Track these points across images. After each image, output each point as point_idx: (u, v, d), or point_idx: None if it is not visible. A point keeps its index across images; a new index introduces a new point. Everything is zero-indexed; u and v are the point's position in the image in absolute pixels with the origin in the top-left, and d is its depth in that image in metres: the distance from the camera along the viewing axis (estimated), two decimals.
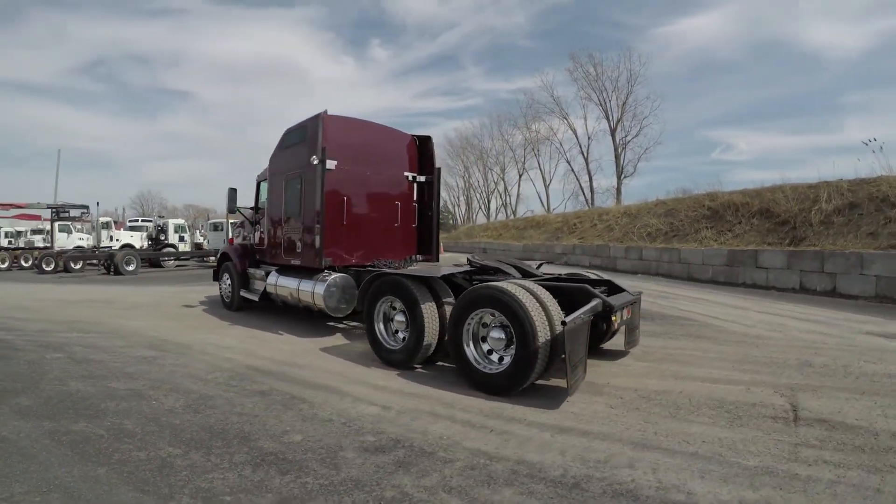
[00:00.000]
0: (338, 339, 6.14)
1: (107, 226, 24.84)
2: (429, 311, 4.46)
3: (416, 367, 4.66)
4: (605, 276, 5.54)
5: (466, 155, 54.91)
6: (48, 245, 22.45)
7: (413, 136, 7.42)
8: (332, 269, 6.34)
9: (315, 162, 6.07)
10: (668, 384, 3.87)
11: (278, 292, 7.07)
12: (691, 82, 64.11)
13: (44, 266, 17.31)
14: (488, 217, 50.72)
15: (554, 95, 40.45)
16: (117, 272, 16.96)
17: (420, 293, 4.56)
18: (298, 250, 6.81)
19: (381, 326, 5.00)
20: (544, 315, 3.60)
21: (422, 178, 7.38)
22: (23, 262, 19.11)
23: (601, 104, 37.72)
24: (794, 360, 4.59)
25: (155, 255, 20.72)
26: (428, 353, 4.51)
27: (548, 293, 3.84)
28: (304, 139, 6.48)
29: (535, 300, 3.66)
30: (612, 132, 37.67)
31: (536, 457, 2.62)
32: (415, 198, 7.43)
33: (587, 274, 5.17)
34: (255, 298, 7.76)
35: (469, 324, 3.98)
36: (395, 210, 7.07)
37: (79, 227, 24.85)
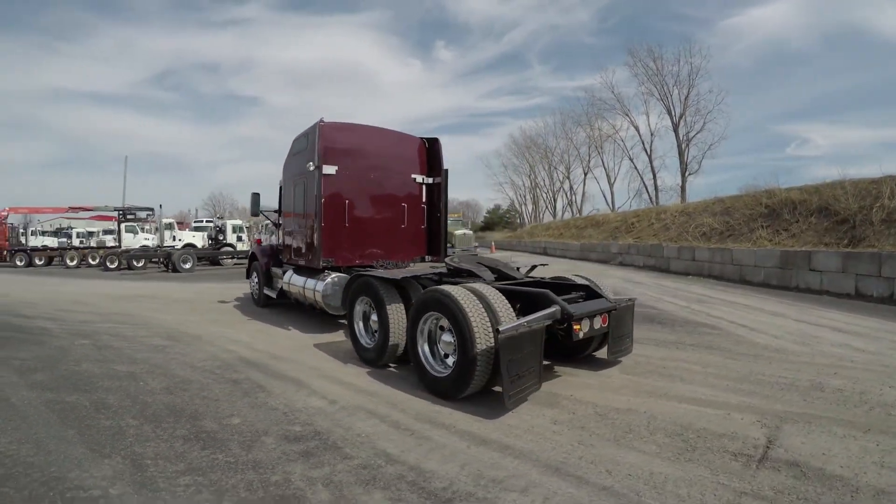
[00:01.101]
0: (336, 336, 6.69)
1: (170, 226, 28.33)
2: (395, 311, 4.78)
3: (390, 366, 5.00)
4: (614, 278, 5.69)
5: (532, 154, 57.89)
6: (116, 245, 26.11)
7: (422, 138, 7.82)
8: (337, 269, 6.91)
9: (311, 168, 6.70)
10: (636, 402, 3.77)
11: (290, 290, 7.85)
12: (762, 75, 62.43)
13: (108, 264, 20.34)
14: (554, 216, 53.14)
15: (615, 92, 41.57)
16: (175, 270, 19.38)
17: (387, 294, 4.91)
18: (303, 251, 7.52)
19: (360, 325, 5.43)
20: (489, 321, 3.69)
21: (430, 180, 7.73)
22: (90, 261, 22.51)
23: (663, 99, 38.39)
24: (806, 380, 4.22)
25: (212, 254, 23.33)
26: (396, 352, 4.83)
27: (503, 298, 3.92)
28: (306, 147, 7.16)
29: (480, 305, 3.76)
30: (675, 128, 38.22)
31: (434, 465, 2.74)
32: (423, 199, 7.79)
33: (573, 278, 5.15)
34: (274, 295, 8.69)
35: (423, 326, 4.23)
36: (401, 212, 7.50)
37: (147, 227, 28.58)
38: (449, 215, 31.35)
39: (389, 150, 7.37)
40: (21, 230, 29.05)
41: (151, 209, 26.77)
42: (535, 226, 43.67)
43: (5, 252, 23.03)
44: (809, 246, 10.51)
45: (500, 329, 3.39)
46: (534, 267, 6.10)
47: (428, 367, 4.13)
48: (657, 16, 71.57)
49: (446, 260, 5.63)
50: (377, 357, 4.95)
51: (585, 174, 50.45)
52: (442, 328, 4.14)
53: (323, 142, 6.60)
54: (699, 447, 2.97)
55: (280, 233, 9.36)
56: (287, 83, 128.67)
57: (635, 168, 42.64)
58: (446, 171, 7.74)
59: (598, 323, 4.21)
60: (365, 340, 5.29)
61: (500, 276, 5.24)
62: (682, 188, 37.60)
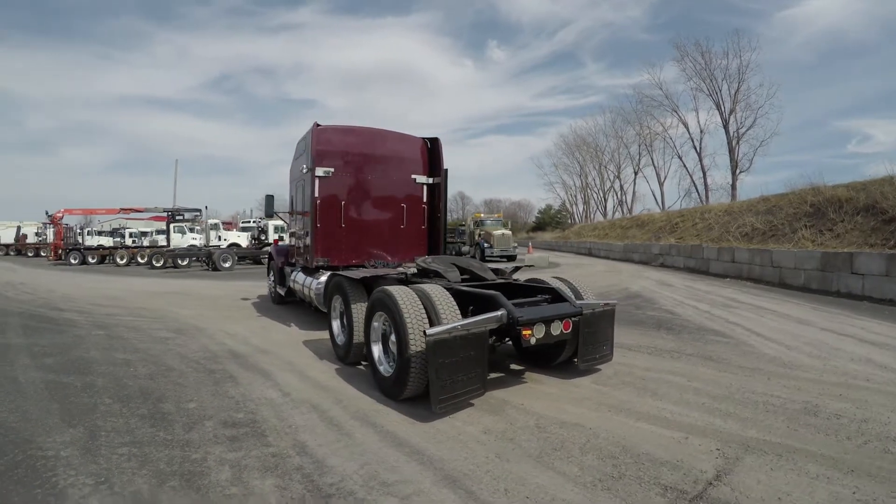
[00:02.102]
0: (325, 334, 7.24)
1: (215, 227, 30.90)
2: (358, 310, 5.19)
3: (361, 364, 5.42)
4: (647, 280, 5.96)
5: (582, 153, 61.44)
6: (164, 244, 28.84)
7: (424, 138, 8.20)
8: (335, 269, 7.47)
9: (305, 171, 7.30)
10: (589, 416, 3.74)
11: (295, 288, 8.58)
12: (822, 69, 60.60)
13: (154, 262, 22.66)
14: (604, 216, 56.08)
15: (663, 88, 43.31)
16: (215, 268, 21.22)
17: (353, 293, 5.33)
18: (302, 251, 8.18)
19: (336, 323, 5.92)
20: (428, 322, 3.92)
21: (430, 180, 8.09)
22: (139, 259, 25.10)
23: (712, 95, 39.52)
24: (801, 402, 4.02)
25: (253, 254, 25.26)
26: (362, 350, 5.22)
27: (451, 300, 4.12)
28: (304, 150, 7.79)
29: (420, 306, 4.00)
30: (725, 125, 39.20)
31: (337, 462, 2.99)
32: (425, 200, 8.17)
33: (549, 282, 5.21)
34: (283, 293, 9.48)
35: (375, 325, 4.58)
36: (400, 212, 7.93)
37: (198, 227, 31.27)
38: (489, 216, 32.41)
39: (389, 151, 7.80)
40: (78, 230, 32.82)
41: (199, 210, 29.38)
42: (583, 226, 45.98)
43: (60, 251, 26.16)
44: (853, 247, 10.01)
45: (427, 332, 3.58)
46: (517, 268, 6.27)
47: (378, 366, 4.46)
48: (711, 9, 72.97)
49: (417, 260, 5.96)
50: (345, 355, 5.39)
51: (636, 173, 52.16)
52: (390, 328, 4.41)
53: (316, 145, 7.16)
54: (627, 475, 2.78)
55: (287, 233, 10.16)
56: (341, 85, 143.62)
57: (684, 166, 43.85)
58: (446, 170, 8.06)
59: (557, 329, 4.23)
60: (339, 338, 5.76)
61: (473, 276, 5.48)
62: (733, 186, 38.17)
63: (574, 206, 68.79)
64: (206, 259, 22.60)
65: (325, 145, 7.19)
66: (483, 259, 26.44)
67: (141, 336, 7.07)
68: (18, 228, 38.03)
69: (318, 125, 7.20)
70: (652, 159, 49.20)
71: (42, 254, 31.01)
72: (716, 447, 3.18)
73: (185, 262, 23.09)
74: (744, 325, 7.21)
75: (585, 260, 27.10)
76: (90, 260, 26.01)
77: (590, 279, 16.46)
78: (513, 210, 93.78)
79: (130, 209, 30.20)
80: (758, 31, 62.70)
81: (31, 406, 4.04)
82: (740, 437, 3.34)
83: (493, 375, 4.89)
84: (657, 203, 47.67)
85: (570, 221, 64.63)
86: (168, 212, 29.00)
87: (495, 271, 6.10)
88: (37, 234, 34.64)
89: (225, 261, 21.99)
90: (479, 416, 3.79)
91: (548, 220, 75.28)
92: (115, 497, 2.66)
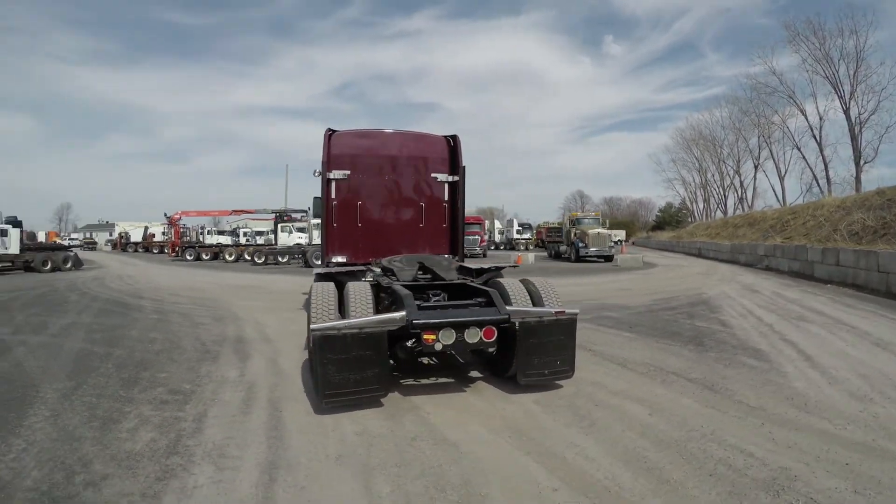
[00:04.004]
0: None
1: (317, 226, 35.00)
2: None
3: None
4: (734, 283, 6.11)
5: (700, 148, 64.00)
6: (272, 243, 33.57)
7: (445, 137, 8.85)
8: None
9: (316, 174, 8.44)
10: (477, 439, 3.76)
11: None
12: None
13: (255, 259, 26.63)
14: (724, 214, 57.81)
15: (777, 73, 43.98)
16: (308, 265, 24.31)
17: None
18: (321, 251, 9.41)
19: None
20: (334, 317, 4.44)
21: (450, 179, 8.71)
22: (246, 256, 29.67)
23: (829, 78, 39.57)
24: (774, 470, 3.24)
25: None
26: None
27: (368, 298, 4.64)
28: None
29: (331, 303, 4.57)
30: (845, 110, 39.09)
31: (212, 432, 3.85)
32: (446, 198, 8.81)
33: (508, 285, 5.27)
34: None
35: None
36: (419, 211, 8.70)
37: (304, 227, 35.81)
38: (586, 214, 33.45)
39: (406, 151, 8.57)
40: (199, 230, 39.86)
41: (305, 211, 33.74)
42: (697, 225, 49.39)
43: (177, 248, 32.16)
44: None
45: (312, 326, 4.07)
46: (499, 268, 6.54)
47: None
48: None
49: (383, 261, 6.59)
50: None
51: (756, 167, 53.33)
52: None
53: (328, 149, 8.25)
54: None
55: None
56: (461, 88, 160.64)
57: (803, 158, 44.69)
58: (464, 168, 8.57)
59: (474, 336, 4.35)
60: None
61: (434, 276, 5.97)
62: (857, 179, 37.99)
63: (694, 204, 71.53)
64: (302, 256, 25.89)
65: (338, 149, 8.22)
66: (578, 259, 26.90)
67: (183, 321, 8.94)
68: (146, 228, 48.02)
69: (332, 131, 8.25)
70: (771, 152, 50.01)
71: (165, 251, 38.37)
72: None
73: (284, 259, 26.80)
74: (799, 344, 6.89)
75: (689, 261, 27.54)
76: (204, 256, 31.65)
77: (662, 282, 16.31)
78: (633, 209, 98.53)
79: (242, 210, 35.93)
80: (874, 5, 59.71)
81: (55, 364, 5.77)
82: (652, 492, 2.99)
83: (442, 380, 5.32)
84: (777, 199, 48.41)
85: (689, 220, 67.20)
86: (276, 213, 33.75)
87: (478, 271, 6.47)
88: (163, 233, 43.15)
89: (317, 258, 25.03)
90: (374, 417, 4.19)
91: (667, 219, 78.25)
92: (53, 423, 3.97)
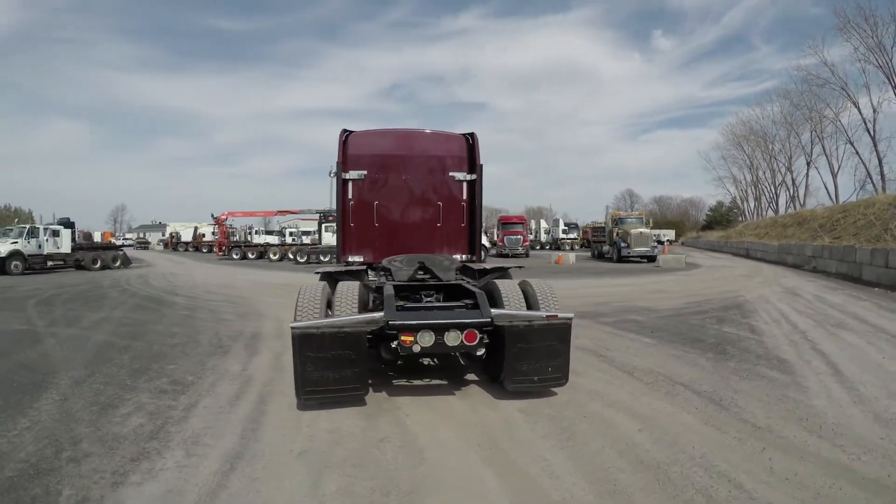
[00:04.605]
0: None
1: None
2: None
3: None
4: (776, 287, 6.20)
5: (751, 144, 64.80)
6: (317, 243, 34.90)
7: (464, 134, 9.04)
8: (369, 265, 8.90)
9: (331, 175, 8.81)
10: (437, 447, 3.81)
11: None
12: None
13: (297, 258, 27.82)
14: (776, 212, 58.15)
15: (828, 63, 44.01)
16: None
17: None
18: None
19: None
20: (318, 316, 4.65)
21: (468, 177, 8.88)
22: (290, 255, 31.04)
23: (882, 67, 39.06)
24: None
25: None
26: None
27: (353, 299, 4.84)
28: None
29: (317, 301, 4.77)
30: None
31: (198, 422, 4.26)
32: (464, 197, 8.99)
33: (496, 285, 5.40)
34: None
35: None
36: (437, 211, 8.92)
37: None
38: (629, 213, 34.52)
39: (423, 150, 8.81)
40: (247, 230, 41.93)
41: None
42: (746, 225, 49.64)
43: (224, 248, 34.03)
44: None
45: (292, 325, 4.34)
46: (499, 269, 6.62)
47: None
48: None
49: (384, 260, 6.80)
50: None
51: (808, 164, 53.66)
52: None
53: (342, 150, 8.61)
54: None
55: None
56: (510, 87, 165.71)
57: (856, 153, 44.48)
58: (481, 166, 8.70)
59: (454, 339, 4.42)
60: None
61: (433, 276, 6.12)
62: None
63: (745, 203, 72.29)
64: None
65: (354, 149, 8.56)
66: (620, 259, 27.18)
67: (209, 316, 9.59)
68: (195, 228, 51.03)
69: (347, 131, 8.60)
70: (823, 147, 50.19)
71: (213, 250, 40.64)
72: None
73: (326, 258, 27.88)
74: (830, 355, 6.60)
75: (734, 262, 27.14)
76: (250, 256, 33.37)
77: (700, 284, 16.09)
78: (684, 208, 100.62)
79: (287, 211, 37.61)
80: None
81: (77, 355, 6.43)
82: None
83: (436, 382, 5.47)
84: (830, 197, 48.10)
85: (740, 219, 67.63)
86: (320, 213, 35.12)
87: (481, 272, 6.57)
88: (213, 233, 45.68)
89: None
90: (352, 416, 4.38)
91: (718, 219, 78.43)
92: (59, 407, 4.48)
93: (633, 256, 26.76)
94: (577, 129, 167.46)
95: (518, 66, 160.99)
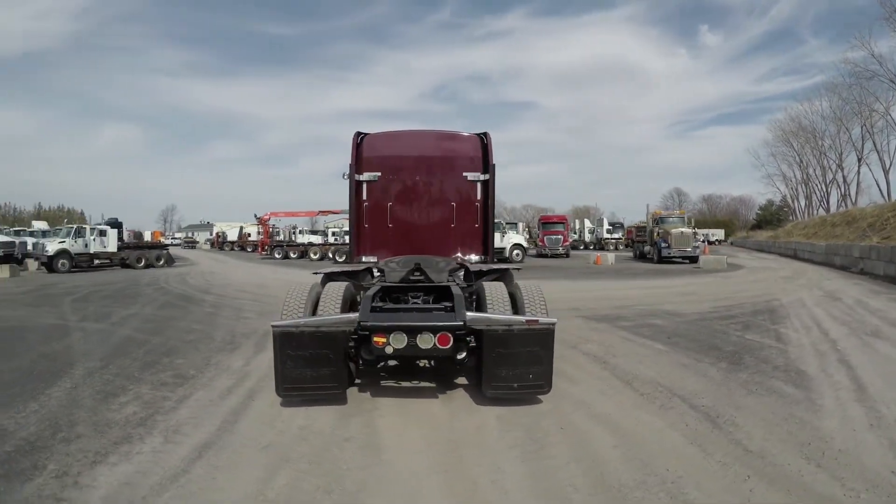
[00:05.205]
0: None
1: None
2: None
3: None
4: (814, 290, 6.16)
5: (800, 141, 65.85)
6: None
7: (478, 134, 9.28)
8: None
9: (345, 177, 9.24)
10: (393, 453, 3.93)
11: None
12: None
13: (337, 258, 28.82)
14: (827, 211, 58.56)
15: (876, 55, 43.98)
16: None
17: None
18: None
19: None
20: (303, 315, 5.08)
21: (482, 177, 9.11)
22: (329, 255, 32.13)
23: None
24: None
25: None
26: None
27: (337, 299, 5.17)
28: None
29: (302, 301, 5.20)
30: None
31: (185, 412, 4.78)
32: (478, 198, 9.24)
33: (483, 287, 5.58)
34: None
35: None
36: (451, 211, 9.22)
37: None
38: (670, 213, 35.20)
39: (437, 151, 9.12)
40: (290, 230, 43.64)
41: None
42: (795, 224, 50.89)
43: (266, 247, 35.61)
44: None
45: (272, 324, 4.72)
46: (494, 271, 6.81)
47: None
48: None
49: (381, 261, 7.11)
50: None
51: (859, 160, 53.96)
52: None
53: (359, 152, 9.02)
54: None
55: None
56: (556, 85, 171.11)
57: None
58: (493, 166, 8.91)
59: (427, 341, 4.57)
60: None
61: (427, 277, 6.35)
62: None
63: (795, 202, 74.04)
64: None
65: (370, 152, 8.95)
66: (660, 260, 27.31)
67: (231, 314, 10.29)
68: (241, 228, 53.54)
69: (361, 133, 9.00)
70: (874, 143, 50.46)
71: (257, 249, 42.56)
72: None
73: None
74: (857, 368, 6.29)
75: (780, 263, 27.07)
76: (292, 255, 34.81)
77: (737, 287, 15.84)
78: (733, 207, 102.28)
79: (328, 211, 38.98)
80: None
81: (97, 347, 7.17)
82: None
83: (425, 384, 5.67)
84: (882, 195, 48.54)
85: (790, 219, 69.42)
86: None
87: (477, 273, 6.76)
88: (258, 232, 47.71)
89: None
90: (328, 414, 4.65)
91: (768, 218, 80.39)
92: (68, 394, 5.09)
93: (674, 257, 26.82)
94: (625, 127, 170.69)
95: (564, 64, 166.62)
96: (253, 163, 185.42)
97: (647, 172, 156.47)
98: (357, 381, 5.63)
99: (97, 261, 24.22)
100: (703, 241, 36.57)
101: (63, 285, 16.83)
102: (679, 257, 26.73)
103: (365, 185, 8.84)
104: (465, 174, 8.85)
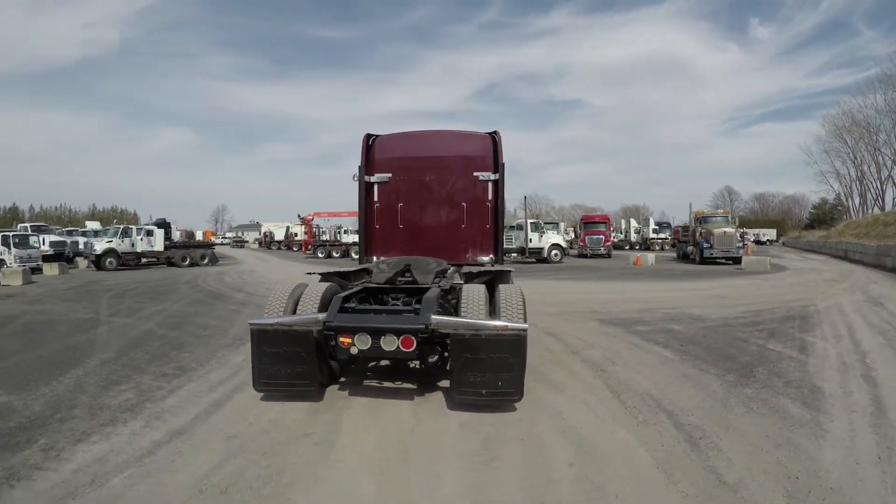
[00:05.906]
0: None
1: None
2: None
3: None
4: (858, 294, 6.16)
5: (854, 137, 66.16)
6: None
7: (489, 133, 9.57)
8: None
9: (355, 178, 9.75)
10: (338, 451, 4.25)
11: None
12: None
13: (353, 255, 29.81)
14: (882, 209, 58.64)
15: None
16: None
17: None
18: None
19: None
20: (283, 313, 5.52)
21: (492, 177, 9.41)
22: (353, 254, 33.34)
23: None
24: None
25: None
26: None
27: (315, 300, 5.55)
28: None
29: (284, 300, 5.60)
30: None
31: (173, 401, 5.42)
32: (489, 198, 9.55)
33: (462, 289, 5.72)
34: None
35: None
36: (461, 212, 9.58)
37: None
38: (714, 212, 36.50)
39: (447, 151, 9.49)
40: (335, 229, 45.34)
41: None
42: (848, 224, 50.71)
43: (310, 247, 37.31)
44: None
45: (249, 321, 5.22)
46: (483, 272, 7.09)
47: None
48: None
49: (371, 264, 7.51)
50: None
51: None
52: None
53: (370, 154, 9.51)
54: None
55: None
56: (605, 83, 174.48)
57: None
58: (503, 165, 9.16)
59: (391, 343, 4.84)
60: None
61: (414, 279, 6.68)
62: None
63: (849, 200, 74.28)
64: None
65: (381, 153, 9.43)
66: (702, 261, 27.37)
67: (253, 311, 11.10)
68: (287, 228, 56.90)
69: (371, 135, 9.48)
70: None
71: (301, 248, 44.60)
72: None
73: None
74: (882, 386, 5.93)
75: (828, 264, 27.08)
76: (334, 254, 36.34)
77: (774, 290, 15.53)
78: (786, 206, 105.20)
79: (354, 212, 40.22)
80: None
81: (117, 340, 8.03)
82: None
83: (407, 385, 6.00)
84: None
85: (844, 217, 69.00)
86: None
87: (468, 275, 7.03)
88: (304, 232, 49.70)
89: None
90: (300, 411, 5.05)
91: (821, 217, 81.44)
92: (77, 381, 5.86)
93: (716, 258, 26.74)
94: (675, 125, 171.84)
95: (612, 61, 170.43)
96: (305, 164, 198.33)
97: (698, 171, 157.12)
98: (342, 378, 6.09)
99: (144, 259, 26.48)
100: (747, 242, 36.75)
101: (106, 282, 18.62)
102: (722, 258, 26.69)
103: (375, 187, 9.30)
104: (475, 174, 9.12)
